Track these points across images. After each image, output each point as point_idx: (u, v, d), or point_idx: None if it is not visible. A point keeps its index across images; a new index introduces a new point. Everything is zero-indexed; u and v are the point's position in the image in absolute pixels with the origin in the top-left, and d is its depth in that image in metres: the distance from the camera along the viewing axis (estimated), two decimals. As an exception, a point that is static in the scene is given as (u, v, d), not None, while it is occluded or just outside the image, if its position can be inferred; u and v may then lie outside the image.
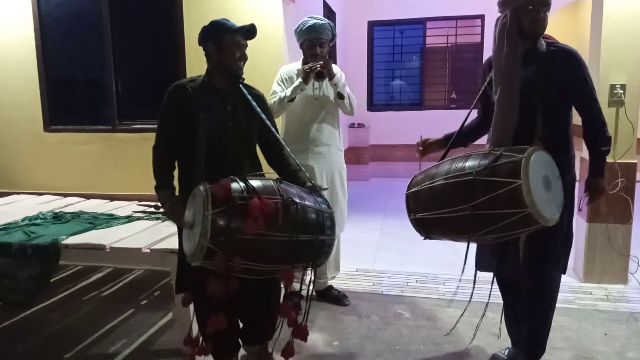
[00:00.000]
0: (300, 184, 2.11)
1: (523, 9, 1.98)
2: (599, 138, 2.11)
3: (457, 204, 1.89)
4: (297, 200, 1.88)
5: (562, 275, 2.26)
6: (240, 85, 2.15)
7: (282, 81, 2.95)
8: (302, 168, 2.25)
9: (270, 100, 2.85)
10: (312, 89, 2.94)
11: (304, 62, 2.94)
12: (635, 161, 3.25)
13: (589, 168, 2.15)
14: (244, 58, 2.08)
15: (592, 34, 3.35)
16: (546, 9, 2.00)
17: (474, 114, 2.38)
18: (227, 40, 2.03)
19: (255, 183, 1.85)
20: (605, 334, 2.72)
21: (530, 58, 2.04)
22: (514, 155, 1.84)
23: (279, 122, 2.98)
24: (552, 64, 2.04)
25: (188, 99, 2.06)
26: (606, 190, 2.19)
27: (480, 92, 2.24)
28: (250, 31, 2.05)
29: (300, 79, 2.82)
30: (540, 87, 2.02)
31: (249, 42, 2.12)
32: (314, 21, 2.85)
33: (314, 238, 1.88)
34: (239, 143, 2.14)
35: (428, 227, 2.07)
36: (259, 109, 2.14)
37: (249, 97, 2.14)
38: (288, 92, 2.83)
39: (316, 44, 2.85)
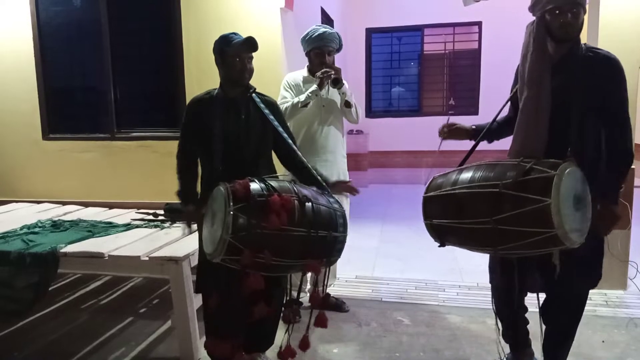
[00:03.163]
0: (316, 180, 2.19)
1: (550, 13, 1.87)
2: (618, 159, 1.94)
3: (479, 216, 1.78)
4: (312, 198, 1.94)
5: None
6: (254, 94, 2.22)
7: (289, 88, 2.98)
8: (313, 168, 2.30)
9: (282, 105, 2.85)
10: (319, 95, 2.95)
11: (311, 70, 2.96)
12: (633, 166, 3.25)
13: (600, 190, 1.90)
14: (244, 69, 2.12)
15: (588, 40, 3.35)
16: (576, 10, 1.86)
17: (505, 111, 2.23)
18: (228, 53, 2.10)
19: (272, 182, 1.93)
20: (603, 341, 2.72)
21: (565, 64, 1.92)
22: (546, 171, 1.71)
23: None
24: (590, 70, 1.90)
25: (203, 109, 2.16)
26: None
27: (512, 93, 2.13)
28: (245, 43, 2.08)
29: (315, 85, 2.84)
30: (576, 96, 1.88)
31: None
32: (324, 29, 2.89)
33: (329, 234, 1.93)
34: (255, 149, 2.20)
35: (444, 235, 1.97)
36: (271, 117, 2.20)
37: (262, 104, 2.21)
38: (302, 97, 2.84)
39: (325, 52, 2.89)
